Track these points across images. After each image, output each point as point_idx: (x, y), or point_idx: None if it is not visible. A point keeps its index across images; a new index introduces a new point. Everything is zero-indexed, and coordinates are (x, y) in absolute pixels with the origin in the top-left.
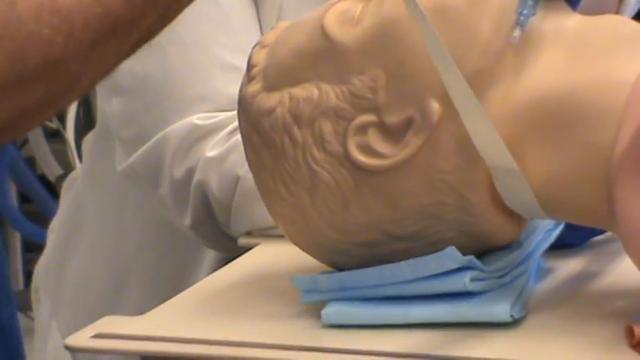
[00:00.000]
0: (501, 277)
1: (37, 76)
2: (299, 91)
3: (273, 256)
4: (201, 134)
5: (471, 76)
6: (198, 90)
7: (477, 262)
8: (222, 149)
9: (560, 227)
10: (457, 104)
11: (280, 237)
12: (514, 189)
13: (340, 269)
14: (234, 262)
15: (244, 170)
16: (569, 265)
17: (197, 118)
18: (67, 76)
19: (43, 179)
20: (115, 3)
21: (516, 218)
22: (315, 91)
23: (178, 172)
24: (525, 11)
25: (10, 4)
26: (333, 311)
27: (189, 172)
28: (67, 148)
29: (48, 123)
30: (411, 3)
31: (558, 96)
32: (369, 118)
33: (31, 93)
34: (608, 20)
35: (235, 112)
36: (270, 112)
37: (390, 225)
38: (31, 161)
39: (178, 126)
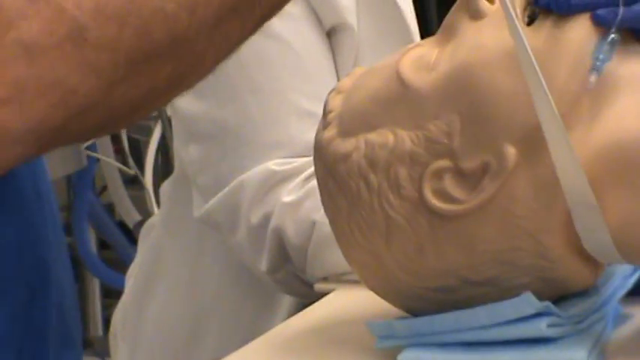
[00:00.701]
0: (578, 322)
1: (164, 52)
2: (374, 137)
3: (349, 301)
4: (278, 180)
5: None
6: (275, 136)
7: (553, 307)
8: (299, 195)
9: (638, 273)
10: (547, 135)
11: (356, 282)
12: (592, 229)
13: (416, 315)
14: (310, 307)
15: (320, 216)
16: None
17: (273, 164)
18: (192, 55)
19: (121, 225)
20: None
21: (593, 264)
22: (391, 137)
23: (255, 218)
24: (602, 56)
25: None
26: (409, 357)
27: (266, 218)
28: (146, 194)
29: (126, 169)
30: (517, 37)
31: (634, 139)
32: (444, 163)
33: (159, 70)
34: None
35: (311, 158)
36: (346, 157)
37: (465, 270)
38: (109, 208)
39: (255, 172)
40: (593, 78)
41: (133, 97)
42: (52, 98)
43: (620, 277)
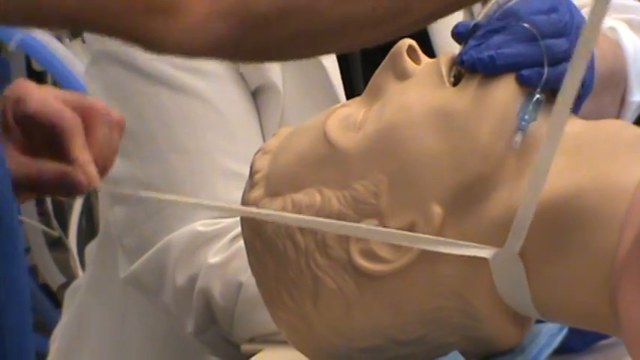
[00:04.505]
0: None
1: None
2: (301, 197)
3: None
4: (204, 241)
5: (473, 180)
6: (201, 197)
7: None
8: (225, 256)
9: (564, 332)
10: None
11: (283, 343)
12: (513, 283)
13: None
14: None
15: (247, 276)
16: None
17: (200, 225)
18: (394, 2)
19: (45, 288)
20: None
21: (519, 323)
22: (318, 197)
23: (181, 279)
24: (527, 116)
25: None
26: None
27: (192, 279)
28: (69, 256)
29: (50, 231)
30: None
31: (559, 200)
32: (371, 222)
33: (357, 5)
34: (609, 125)
35: (237, 219)
36: None
37: (393, 330)
38: (33, 270)
39: (181, 233)
40: (518, 138)
41: (335, 15)
42: None
43: (547, 335)
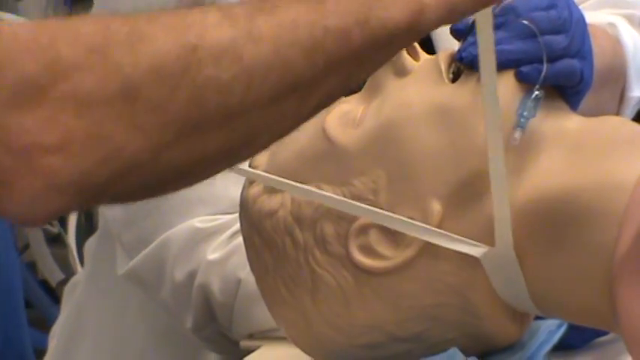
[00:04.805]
0: None
1: (215, 122)
2: None
3: (276, 358)
4: (203, 237)
5: (472, 177)
6: (199, 193)
7: None
8: (224, 252)
9: (563, 328)
10: (491, 160)
11: (282, 339)
12: (509, 280)
13: None
14: None
15: (245, 273)
16: None
17: (198, 221)
18: (246, 129)
19: (44, 284)
20: (296, 60)
21: (518, 319)
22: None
23: (180, 276)
24: (525, 113)
25: (192, 48)
26: None
27: (191, 276)
28: (69, 252)
29: (49, 227)
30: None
31: (558, 197)
32: (370, 219)
33: (210, 140)
34: (608, 121)
35: (236, 215)
36: (272, 214)
37: (391, 326)
38: (32, 266)
39: (179, 229)
40: (517, 134)
41: (181, 163)
42: (98, 153)
43: (546, 332)
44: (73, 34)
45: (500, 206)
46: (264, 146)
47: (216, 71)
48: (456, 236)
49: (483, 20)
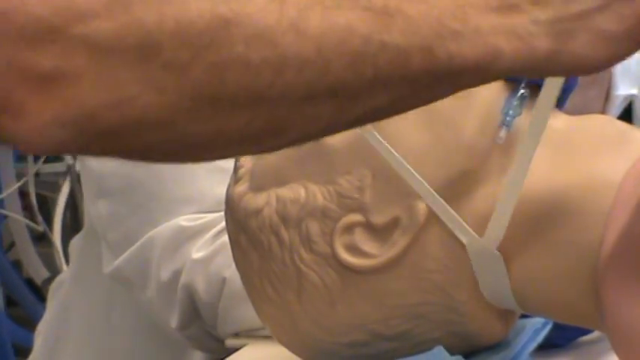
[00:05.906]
0: None
1: (236, 101)
2: (286, 192)
3: (261, 357)
4: (188, 236)
5: (457, 176)
6: (185, 191)
7: None
8: (209, 251)
9: (548, 327)
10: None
11: (268, 338)
12: (493, 277)
13: None
14: None
15: (231, 272)
16: None
17: (183, 220)
18: (272, 118)
19: (29, 282)
20: (339, 65)
21: (504, 318)
22: (302, 192)
23: (165, 275)
24: (511, 111)
25: (224, 22)
26: None
27: (176, 274)
28: (54, 251)
29: (34, 226)
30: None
31: (544, 195)
32: (355, 217)
33: (230, 118)
34: (594, 120)
35: (222, 214)
36: (257, 212)
37: (377, 325)
38: (17, 264)
39: (165, 228)
40: (502, 133)
41: (200, 132)
42: (108, 97)
43: (531, 330)
44: None
45: (506, 203)
46: (292, 142)
47: (246, 50)
48: (457, 217)
49: (551, 86)
